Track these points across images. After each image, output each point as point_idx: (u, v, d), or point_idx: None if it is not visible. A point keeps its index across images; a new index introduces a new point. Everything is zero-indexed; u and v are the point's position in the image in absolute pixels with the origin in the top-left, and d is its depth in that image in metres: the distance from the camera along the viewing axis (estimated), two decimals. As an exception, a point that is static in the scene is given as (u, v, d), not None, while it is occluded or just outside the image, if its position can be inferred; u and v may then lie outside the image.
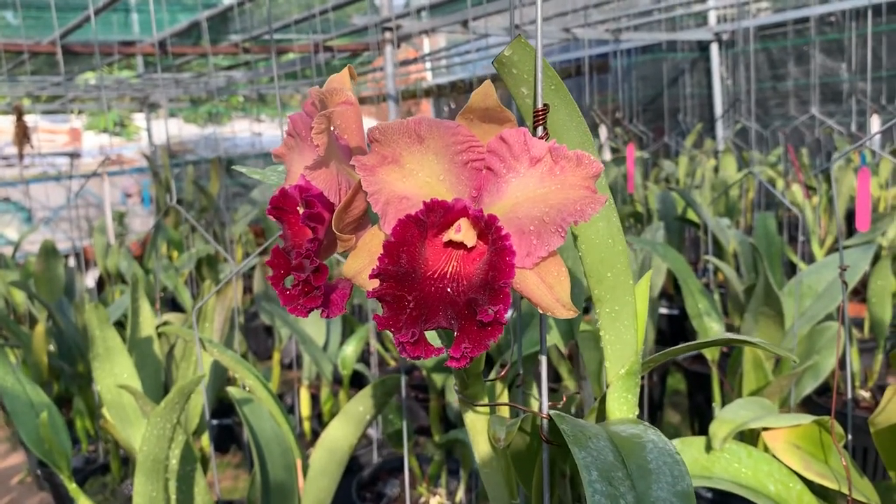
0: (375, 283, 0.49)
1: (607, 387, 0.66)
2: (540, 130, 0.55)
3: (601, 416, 0.66)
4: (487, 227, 0.48)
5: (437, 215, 0.49)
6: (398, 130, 0.49)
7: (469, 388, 0.70)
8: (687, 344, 0.63)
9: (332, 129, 0.55)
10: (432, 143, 0.50)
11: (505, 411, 0.78)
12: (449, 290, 0.50)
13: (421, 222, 0.49)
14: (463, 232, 0.50)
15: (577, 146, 0.57)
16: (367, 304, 2.03)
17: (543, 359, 0.66)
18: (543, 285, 0.51)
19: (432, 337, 0.66)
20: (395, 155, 0.50)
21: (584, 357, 1.14)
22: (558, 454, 0.68)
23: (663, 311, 2.66)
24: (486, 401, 0.70)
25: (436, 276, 0.50)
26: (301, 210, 0.55)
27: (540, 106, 0.55)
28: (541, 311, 0.52)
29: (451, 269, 0.50)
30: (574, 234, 0.61)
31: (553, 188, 0.49)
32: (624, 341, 0.65)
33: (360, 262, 0.54)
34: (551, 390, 1.99)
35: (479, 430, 0.70)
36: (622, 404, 0.65)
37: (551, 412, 0.61)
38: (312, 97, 0.55)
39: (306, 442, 2.02)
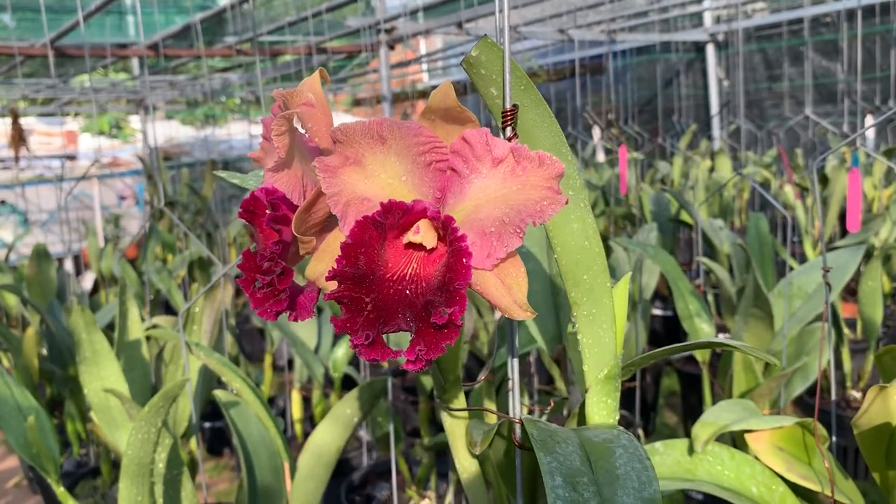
0: (334, 284, 0.49)
1: (586, 391, 0.65)
2: (509, 131, 0.55)
3: (581, 420, 0.66)
4: (444, 229, 0.48)
5: (396, 217, 0.49)
6: (360, 131, 0.49)
7: (446, 392, 0.69)
8: (664, 348, 0.63)
9: (302, 130, 0.55)
10: (394, 144, 0.49)
11: (492, 418, 0.78)
12: (408, 292, 0.49)
13: (379, 224, 0.49)
14: (422, 233, 0.50)
15: (548, 147, 0.56)
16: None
17: (515, 363, 0.65)
18: (503, 286, 0.51)
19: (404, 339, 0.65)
20: (358, 156, 0.49)
21: (573, 360, 1.14)
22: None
23: (657, 312, 2.65)
24: (462, 406, 0.70)
25: (395, 278, 0.50)
26: (268, 212, 0.55)
27: (509, 106, 0.55)
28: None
29: (410, 270, 0.50)
30: (549, 236, 0.61)
31: (515, 188, 0.48)
32: (602, 344, 0.64)
33: (323, 264, 0.54)
34: (546, 393, 1.99)
35: (457, 436, 0.70)
36: (602, 409, 0.64)
37: (523, 417, 0.61)
38: (279, 100, 0.54)
39: (298, 445, 2.02)
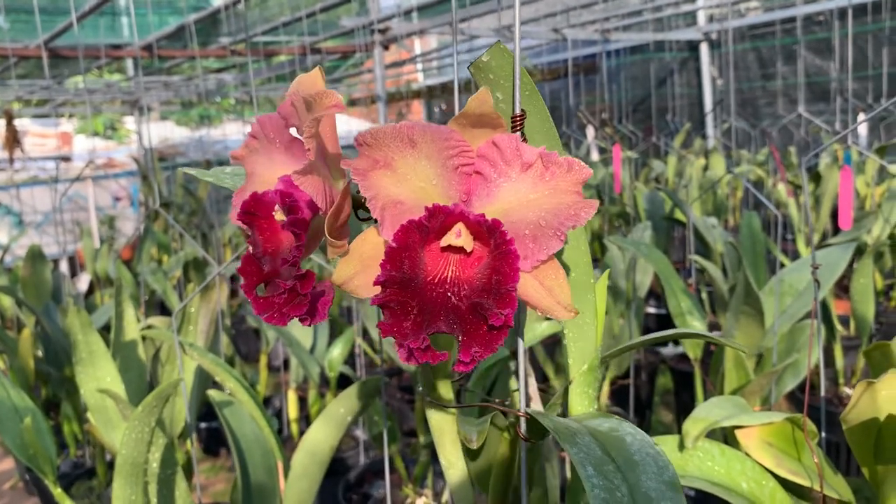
0: (375, 289, 0.49)
1: (570, 382, 0.66)
2: (518, 135, 0.56)
3: (563, 410, 0.67)
4: (490, 232, 0.49)
5: (438, 220, 0.49)
6: (390, 135, 0.49)
7: (436, 390, 0.70)
8: (636, 340, 0.64)
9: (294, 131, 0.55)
10: (425, 148, 0.50)
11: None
12: (449, 294, 0.50)
13: (423, 227, 0.49)
14: (463, 236, 0.50)
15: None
16: (355, 306, 2.03)
17: (521, 357, 0.66)
18: (542, 288, 0.52)
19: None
20: (388, 159, 0.50)
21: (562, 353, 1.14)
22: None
23: (651, 310, 2.66)
24: (451, 402, 0.70)
25: (436, 281, 0.50)
26: (281, 216, 0.53)
27: (518, 111, 0.56)
28: (539, 314, 0.53)
29: (450, 273, 0.50)
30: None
31: (545, 193, 0.49)
32: (586, 338, 0.66)
33: (352, 268, 0.54)
34: (541, 391, 1.99)
35: (445, 432, 0.71)
36: (584, 399, 0.66)
37: (530, 410, 0.62)
38: (293, 99, 0.53)
39: (294, 444, 2.03)
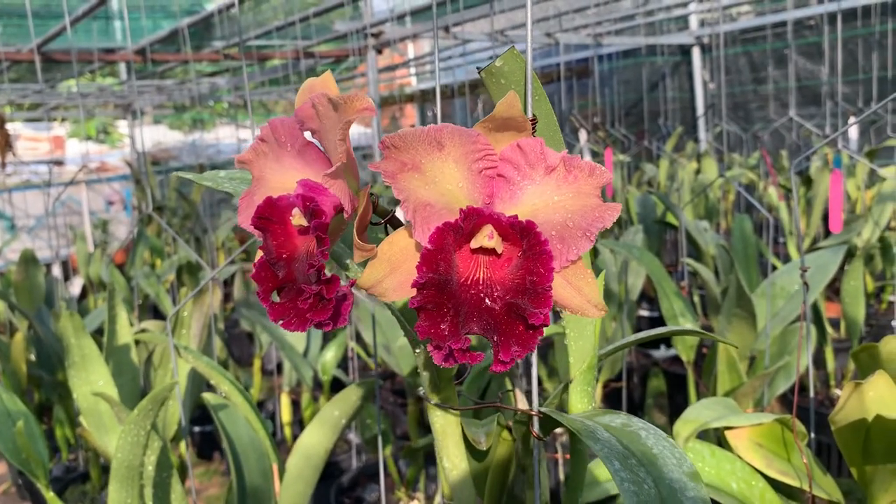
0: (403, 292, 0.50)
1: (571, 380, 0.68)
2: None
3: (562, 407, 0.68)
4: (524, 234, 0.49)
5: (472, 222, 0.50)
6: (418, 137, 0.50)
7: (441, 392, 0.70)
8: (629, 338, 0.65)
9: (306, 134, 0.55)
10: (453, 151, 0.50)
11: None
12: (482, 295, 0.50)
13: (459, 229, 0.49)
14: (494, 238, 0.51)
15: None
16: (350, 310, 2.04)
17: (534, 357, 0.67)
18: (571, 287, 0.52)
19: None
20: (416, 162, 0.50)
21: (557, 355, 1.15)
22: (520, 450, 0.69)
23: (644, 313, 2.68)
24: (456, 404, 0.71)
25: (468, 282, 0.50)
26: (299, 220, 0.53)
27: (530, 116, 0.57)
28: (569, 313, 0.53)
29: (481, 275, 0.51)
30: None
31: (569, 196, 0.50)
32: (585, 337, 0.67)
33: (380, 271, 0.53)
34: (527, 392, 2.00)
35: (449, 434, 0.71)
36: (583, 396, 0.67)
37: (544, 409, 0.63)
38: (315, 101, 0.52)
39: (288, 448, 2.03)
